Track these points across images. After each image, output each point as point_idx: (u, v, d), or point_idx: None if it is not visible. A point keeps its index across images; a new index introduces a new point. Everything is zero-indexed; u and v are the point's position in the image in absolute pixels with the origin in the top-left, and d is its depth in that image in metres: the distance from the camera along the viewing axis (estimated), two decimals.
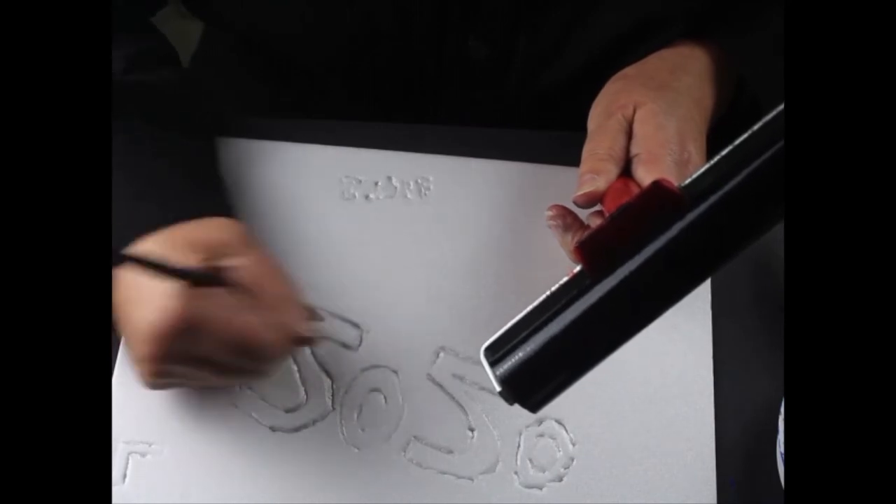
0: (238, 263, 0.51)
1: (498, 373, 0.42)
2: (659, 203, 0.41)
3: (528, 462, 0.55)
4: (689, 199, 0.41)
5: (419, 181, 0.63)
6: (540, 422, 0.56)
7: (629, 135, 0.54)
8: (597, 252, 0.41)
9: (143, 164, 0.56)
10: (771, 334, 0.57)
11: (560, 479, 0.55)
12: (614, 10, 0.61)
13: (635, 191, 0.51)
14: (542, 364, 0.41)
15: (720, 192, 0.41)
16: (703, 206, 0.40)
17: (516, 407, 0.43)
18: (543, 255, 0.61)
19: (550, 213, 0.58)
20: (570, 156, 0.63)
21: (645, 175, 0.52)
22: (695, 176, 0.42)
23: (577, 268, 0.42)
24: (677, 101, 0.56)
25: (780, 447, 0.54)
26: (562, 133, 0.65)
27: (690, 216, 0.41)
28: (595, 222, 0.54)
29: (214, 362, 0.50)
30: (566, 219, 0.57)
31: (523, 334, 0.42)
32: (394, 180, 0.63)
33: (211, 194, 0.57)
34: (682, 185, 0.41)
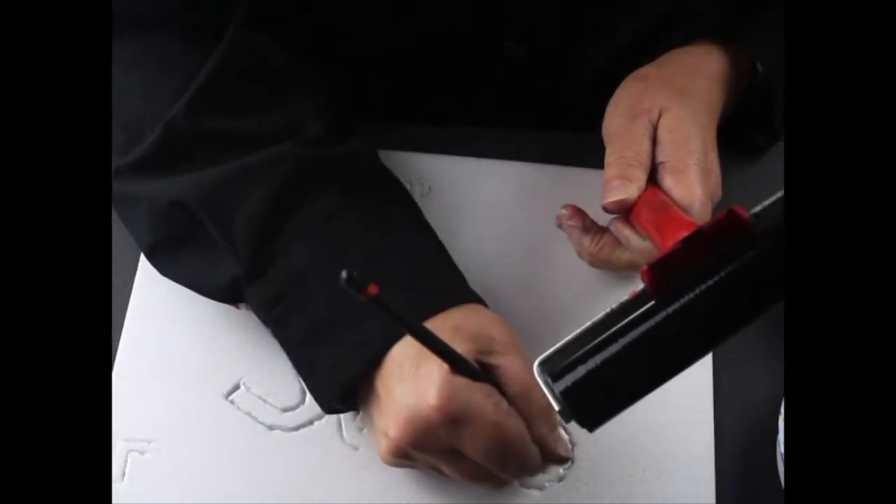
0: (507, 364, 0.48)
1: (559, 388, 0.41)
2: (731, 230, 0.41)
3: None
4: (758, 227, 0.41)
5: (420, 181, 0.63)
6: None
7: (654, 140, 0.54)
8: (666, 275, 0.41)
9: (396, 243, 0.53)
10: (771, 334, 0.57)
11: (560, 480, 0.55)
12: (639, 6, 0.61)
13: (663, 199, 0.52)
14: (607, 380, 0.41)
15: None
16: (777, 237, 0.41)
17: None
18: (544, 254, 0.61)
19: (565, 213, 0.58)
20: (571, 156, 0.63)
21: (673, 185, 0.52)
22: (765, 204, 0.42)
23: (640, 287, 0.42)
24: (699, 108, 0.55)
25: (780, 447, 0.53)
26: (562, 133, 0.65)
27: (765, 244, 0.41)
28: (618, 227, 0.54)
29: (464, 459, 0.48)
30: (584, 221, 0.57)
31: (583, 350, 0.42)
32: None
33: (462, 277, 0.54)
34: (752, 212, 0.41)
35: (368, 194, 0.54)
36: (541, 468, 0.50)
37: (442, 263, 0.54)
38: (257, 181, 0.51)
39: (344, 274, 0.39)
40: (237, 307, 0.55)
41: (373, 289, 0.40)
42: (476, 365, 0.48)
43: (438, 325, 0.48)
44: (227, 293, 0.53)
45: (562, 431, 0.56)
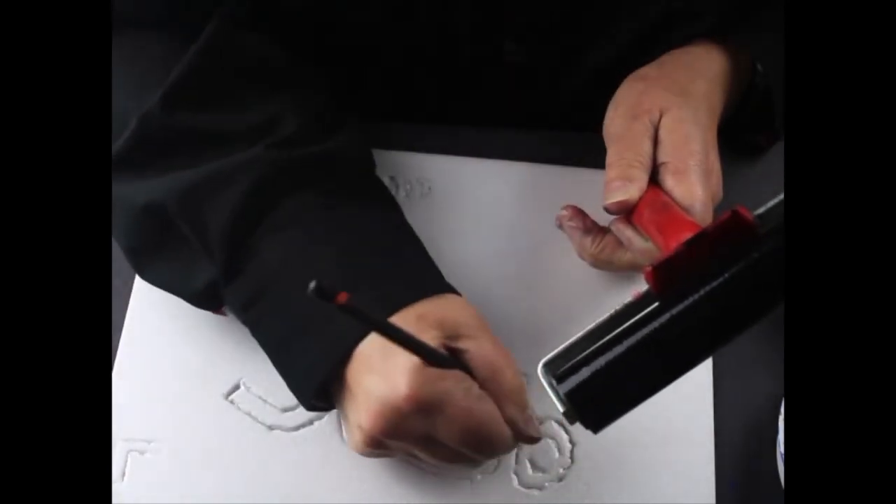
0: (474, 347, 0.49)
1: (564, 390, 0.41)
2: (735, 232, 0.41)
3: (527, 462, 0.55)
4: (762, 228, 0.41)
5: (420, 181, 0.63)
6: (540, 422, 0.56)
7: (655, 140, 0.54)
8: (669, 276, 0.41)
9: (367, 241, 0.53)
10: (771, 334, 0.57)
11: (560, 480, 0.55)
12: (639, 6, 0.61)
13: (664, 200, 0.52)
14: (611, 382, 0.41)
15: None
16: (780, 237, 0.41)
17: None
18: (544, 255, 0.61)
19: (566, 213, 0.58)
20: (571, 156, 0.63)
21: (674, 185, 0.52)
22: (768, 205, 0.42)
23: (643, 288, 0.42)
24: (700, 108, 0.55)
25: (780, 447, 0.53)
26: (562, 133, 0.65)
27: (769, 245, 0.41)
28: (619, 228, 0.54)
29: (438, 445, 0.48)
30: (585, 221, 0.57)
31: (588, 352, 0.42)
32: (395, 180, 0.63)
33: (436, 270, 0.54)
34: (755, 213, 0.41)
35: (343, 192, 0.54)
36: (513, 448, 0.50)
37: (408, 258, 0.54)
38: (228, 186, 0.51)
39: (312, 285, 0.39)
40: (225, 314, 0.55)
41: (342, 297, 0.40)
42: (445, 351, 0.48)
43: (403, 317, 0.48)
44: (204, 297, 0.53)
45: (562, 431, 0.56)
